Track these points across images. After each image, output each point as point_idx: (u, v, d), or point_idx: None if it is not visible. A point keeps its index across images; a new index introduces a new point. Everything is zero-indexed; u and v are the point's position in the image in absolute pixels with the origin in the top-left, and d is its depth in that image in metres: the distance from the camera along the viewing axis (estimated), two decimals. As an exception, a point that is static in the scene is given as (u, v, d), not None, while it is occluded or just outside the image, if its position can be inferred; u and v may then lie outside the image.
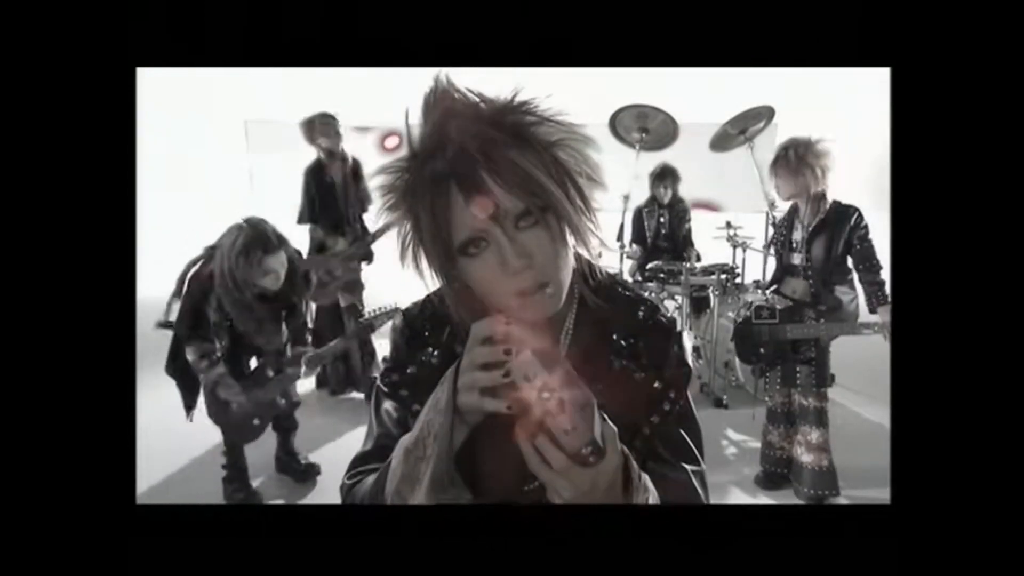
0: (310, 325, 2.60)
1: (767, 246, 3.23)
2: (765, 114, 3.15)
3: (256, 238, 2.12)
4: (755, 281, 3.48)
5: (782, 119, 3.30)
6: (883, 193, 0.93)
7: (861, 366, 3.04)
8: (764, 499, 2.46)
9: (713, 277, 3.42)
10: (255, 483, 2.48)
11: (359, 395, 3.47)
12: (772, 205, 2.99)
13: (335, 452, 2.81)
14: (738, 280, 3.55)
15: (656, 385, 0.66)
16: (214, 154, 6.12)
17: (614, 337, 0.67)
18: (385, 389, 0.71)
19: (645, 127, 3.44)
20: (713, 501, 0.68)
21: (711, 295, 3.57)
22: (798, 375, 2.36)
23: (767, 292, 2.54)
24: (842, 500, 2.34)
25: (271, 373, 2.36)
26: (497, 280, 0.57)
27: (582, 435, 0.48)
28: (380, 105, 4.01)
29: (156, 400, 2.41)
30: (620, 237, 3.57)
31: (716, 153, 3.42)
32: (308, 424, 2.76)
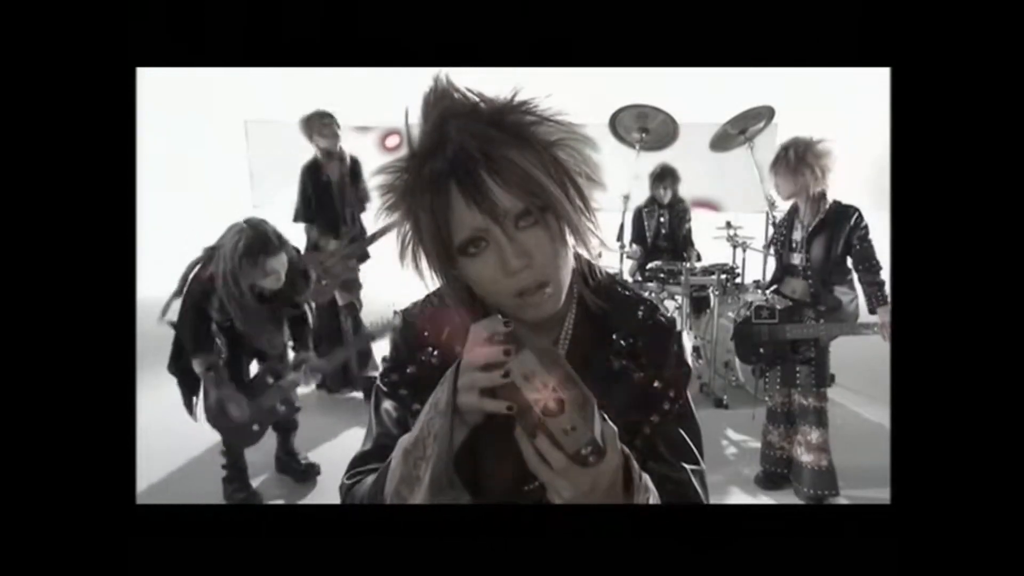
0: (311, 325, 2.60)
1: (767, 246, 3.23)
2: (765, 114, 3.15)
3: (257, 239, 2.12)
4: (755, 281, 3.48)
5: (782, 119, 3.30)
6: (883, 193, 0.93)
7: (861, 366, 3.04)
8: (764, 499, 2.46)
9: (713, 277, 3.42)
10: (255, 483, 2.48)
11: (358, 394, 3.46)
12: (772, 205, 2.99)
13: (335, 452, 2.80)
14: (738, 280, 3.55)
15: (656, 385, 0.66)
16: (214, 154, 6.12)
17: (614, 337, 0.67)
18: (385, 389, 0.71)
19: (645, 127, 3.44)
20: (713, 501, 0.68)
21: (711, 295, 3.57)
22: (798, 375, 2.36)
23: (767, 292, 2.54)
24: (842, 500, 2.34)
25: (271, 380, 2.36)
26: (497, 280, 0.57)
27: (582, 435, 0.48)
28: (380, 105, 3.99)
29: (156, 400, 2.41)
30: (620, 237, 3.57)
31: (716, 153, 3.42)
32: (308, 424, 2.75)
